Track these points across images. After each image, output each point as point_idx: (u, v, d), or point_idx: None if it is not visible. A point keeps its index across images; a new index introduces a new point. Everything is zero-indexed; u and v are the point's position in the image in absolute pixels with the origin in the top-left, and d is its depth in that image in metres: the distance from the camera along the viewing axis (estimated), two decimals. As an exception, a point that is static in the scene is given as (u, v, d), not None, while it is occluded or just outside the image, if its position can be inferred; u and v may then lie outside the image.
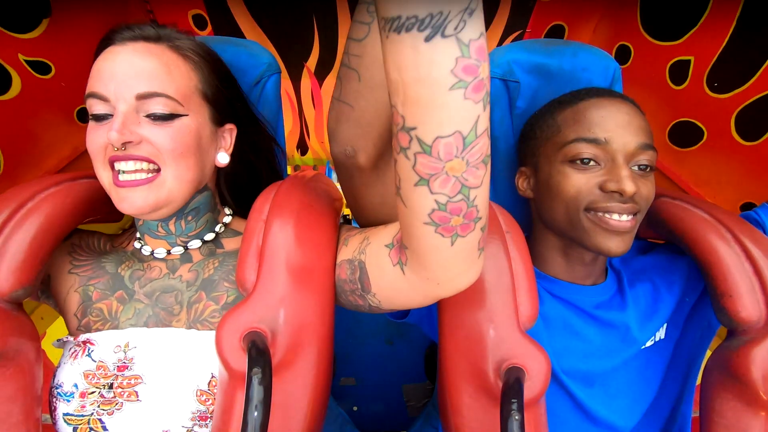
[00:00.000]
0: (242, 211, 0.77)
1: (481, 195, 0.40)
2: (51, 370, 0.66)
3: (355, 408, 1.38)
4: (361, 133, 0.54)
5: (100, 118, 0.62)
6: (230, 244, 0.73)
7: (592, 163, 0.70)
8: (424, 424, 1.10)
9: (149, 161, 0.62)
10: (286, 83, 1.55)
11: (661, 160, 0.71)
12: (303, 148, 1.70)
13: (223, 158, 0.70)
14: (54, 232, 0.64)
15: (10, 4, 0.81)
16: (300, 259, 0.58)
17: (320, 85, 1.60)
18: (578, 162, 0.70)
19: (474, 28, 0.32)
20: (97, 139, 0.62)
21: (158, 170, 0.63)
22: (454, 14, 0.31)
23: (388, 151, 0.56)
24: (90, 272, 0.70)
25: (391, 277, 0.52)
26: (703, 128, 1.00)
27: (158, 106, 0.61)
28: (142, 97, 0.61)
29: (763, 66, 0.87)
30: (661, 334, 0.80)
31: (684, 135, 1.03)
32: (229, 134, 0.72)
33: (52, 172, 0.94)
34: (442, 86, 0.33)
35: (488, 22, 1.44)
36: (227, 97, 0.70)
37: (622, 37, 0.89)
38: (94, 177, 0.71)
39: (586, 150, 0.70)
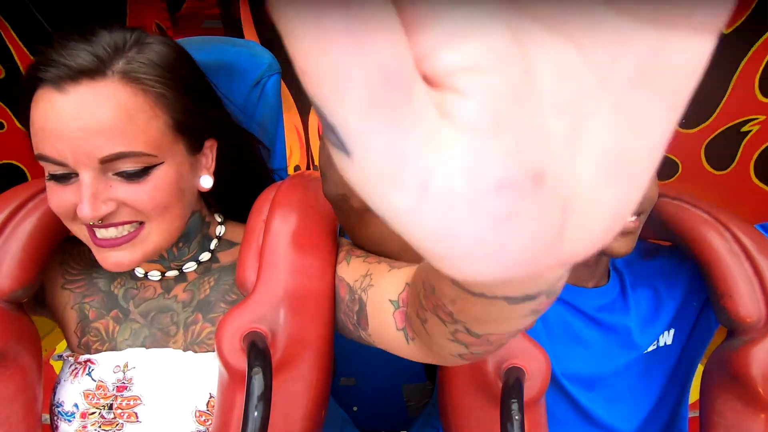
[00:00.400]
0: (233, 215, 0.73)
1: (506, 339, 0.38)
2: (53, 377, 0.66)
3: (355, 408, 1.38)
4: None
5: (61, 179, 0.54)
6: (226, 257, 0.69)
7: None
8: (424, 424, 1.10)
9: (131, 222, 0.56)
10: (295, 118, 1.59)
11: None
12: None
13: (206, 182, 0.63)
14: (54, 231, 0.64)
15: (44, 33, 0.85)
16: (300, 260, 0.58)
17: None
18: None
19: (563, 278, 0.27)
20: (63, 202, 0.54)
21: (141, 224, 0.56)
22: (551, 286, 0.26)
23: None
24: (83, 289, 0.68)
25: (392, 337, 0.48)
26: (678, 162, 1.09)
27: (128, 166, 0.52)
28: (108, 160, 0.51)
29: (721, 102, 0.98)
30: (666, 339, 0.80)
31: (661, 169, 1.08)
32: (210, 151, 0.63)
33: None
34: (514, 318, 0.29)
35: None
36: (202, 116, 0.60)
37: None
38: None
39: None
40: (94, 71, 0.51)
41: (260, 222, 0.61)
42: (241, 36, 1.36)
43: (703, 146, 1.03)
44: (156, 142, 0.54)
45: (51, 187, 0.55)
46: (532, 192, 0.14)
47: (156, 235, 0.57)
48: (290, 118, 1.57)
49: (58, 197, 0.55)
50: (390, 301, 0.48)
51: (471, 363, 0.59)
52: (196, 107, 0.59)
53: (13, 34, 0.88)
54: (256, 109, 0.83)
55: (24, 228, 0.61)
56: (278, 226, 0.60)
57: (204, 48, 0.71)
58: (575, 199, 0.16)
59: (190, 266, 0.68)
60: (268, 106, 0.85)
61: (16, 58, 0.90)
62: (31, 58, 0.84)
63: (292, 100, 1.54)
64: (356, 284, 0.55)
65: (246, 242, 0.60)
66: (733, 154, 1.01)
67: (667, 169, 1.12)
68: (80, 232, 0.57)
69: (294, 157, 1.66)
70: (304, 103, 1.57)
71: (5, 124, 0.92)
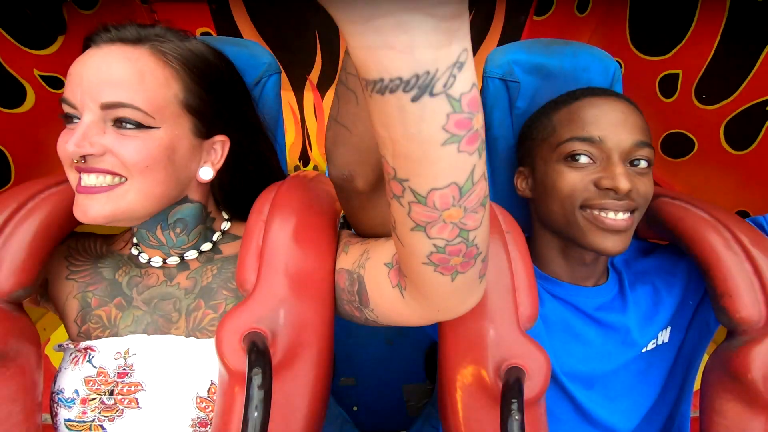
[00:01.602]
0: (239, 214, 0.75)
1: (481, 234, 0.39)
2: (52, 374, 0.66)
3: (355, 408, 1.38)
4: (359, 159, 0.51)
5: (68, 119, 0.60)
6: (229, 249, 0.71)
7: (587, 160, 0.70)
8: (424, 424, 1.10)
9: (113, 174, 0.58)
10: (289, 96, 1.56)
11: (654, 171, 0.73)
12: (305, 159, 1.72)
13: (205, 173, 0.65)
14: (54, 232, 0.64)
15: (29, 22, 0.84)
16: (300, 260, 0.58)
17: (322, 98, 1.61)
18: (573, 160, 0.70)
19: (465, 81, 0.29)
20: (63, 144, 0.59)
21: (122, 181, 0.59)
22: (442, 71, 0.28)
23: None
24: (88, 278, 0.70)
25: (389, 298, 0.51)
26: (694, 139, 1.03)
27: (124, 117, 0.57)
28: (107, 106, 0.56)
29: (747, 77, 0.89)
30: (664, 337, 0.80)
31: (676, 146, 1.05)
32: (220, 147, 0.66)
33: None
34: (433, 143, 0.31)
35: (480, 40, 1.46)
36: (216, 108, 0.64)
37: (612, 53, 0.92)
38: None
39: (581, 148, 0.70)
40: (130, 40, 0.59)
41: (260, 222, 0.61)
42: (230, 16, 1.35)
43: (723, 124, 0.97)
44: (157, 107, 0.58)
45: (63, 130, 0.61)
46: None
47: (133, 194, 0.59)
48: (284, 95, 1.54)
49: (62, 140, 0.59)
50: (384, 264, 0.51)
51: (471, 363, 0.59)
52: (211, 99, 0.63)
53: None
54: (259, 115, 0.83)
55: (24, 228, 0.61)
56: (278, 227, 0.60)
57: (204, 48, 0.71)
58: None
59: (191, 254, 0.69)
60: (268, 105, 0.85)
61: None
62: (5, 34, 0.83)
63: (286, 77, 1.53)
64: (354, 265, 0.57)
65: (246, 242, 0.60)
66: (755, 134, 0.92)
67: (681, 147, 1.06)
68: (73, 180, 0.60)
69: (289, 135, 1.64)
70: (298, 80, 1.56)
71: None
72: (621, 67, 1.08)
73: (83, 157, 0.57)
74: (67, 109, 0.59)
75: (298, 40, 1.43)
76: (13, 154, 0.86)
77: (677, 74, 1.00)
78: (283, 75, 1.49)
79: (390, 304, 0.51)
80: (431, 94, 0.28)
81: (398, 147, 0.32)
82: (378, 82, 0.28)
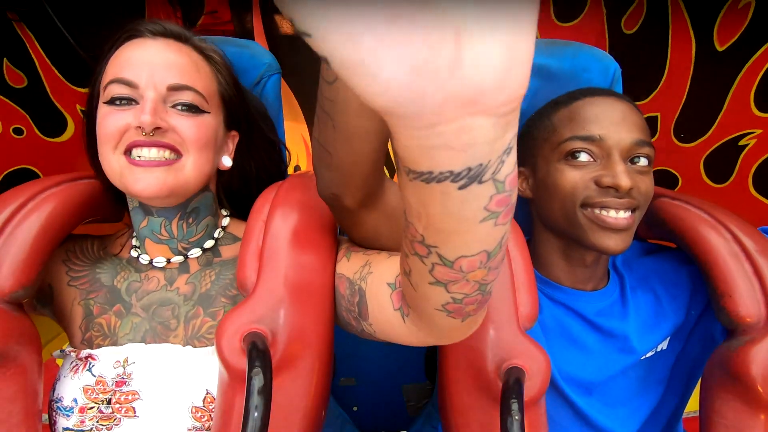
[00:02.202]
0: (238, 213, 0.77)
1: (496, 281, 0.39)
2: (53, 374, 0.66)
3: (355, 408, 1.38)
4: (343, 180, 0.51)
5: (121, 101, 0.61)
6: (228, 251, 0.72)
7: (587, 159, 0.70)
8: (424, 424, 1.10)
9: (173, 149, 0.62)
10: (302, 128, 1.63)
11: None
12: None
13: (226, 161, 0.71)
14: (54, 232, 0.64)
15: (79, 62, 0.94)
16: (300, 260, 0.58)
17: None
18: (574, 159, 0.70)
19: (511, 163, 0.28)
20: (116, 122, 0.60)
21: (178, 158, 0.63)
22: (494, 161, 0.27)
23: (376, 190, 0.53)
24: (87, 285, 0.70)
25: (389, 318, 0.50)
26: (678, 175, 1.12)
27: (187, 99, 0.63)
28: (174, 88, 0.62)
29: (719, 116, 1.01)
30: (663, 345, 0.79)
31: (661, 182, 1.18)
32: (231, 141, 0.72)
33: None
34: (472, 221, 0.30)
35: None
36: (237, 105, 0.71)
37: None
38: (94, 177, 0.71)
39: (581, 147, 0.70)
40: (179, 36, 0.66)
41: (260, 222, 0.61)
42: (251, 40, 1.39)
43: (702, 160, 1.07)
44: (210, 94, 0.66)
45: (106, 111, 0.62)
46: (418, 14, 0.19)
47: (190, 168, 0.63)
48: (297, 127, 1.58)
49: (114, 118, 0.61)
50: (388, 284, 0.50)
51: (471, 363, 0.59)
52: (236, 97, 0.71)
53: (37, 44, 0.93)
54: (262, 117, 0.84)
55: (24, 228, 0.61)
56: (278, 227, 0.60)
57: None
58: (467, 25, 0.19)
59: (194, 253, 0.70)
60: (268, 105, 0.85)
61: (38, 67, 0.94)
62: (53, 67, 0.94)
63: (300, 109, 1.56)
64: (356, 276, 0.56)
65: (246, 242, 0.60)
66: (732, 167, 1.04)
67: (667, 183, 1.14)
68: (116, 161, 0.62)
69: (301, 165, 1.69)
70: (310, 113, 1.59)
71: (25, 130, 0.97)
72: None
73: (153, 130, 0.60)
74: (122, 90, 0.61)
75: (314, 77, 1.46)
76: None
77: (656, 117, 1.11)
78: (298, 108, 1.56)
79: (389, 324, 0.51)
80: (480, 182, 0.28)
81: (433, 221, 0.31)
82: (426, 174, 0.27)
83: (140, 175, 0.60)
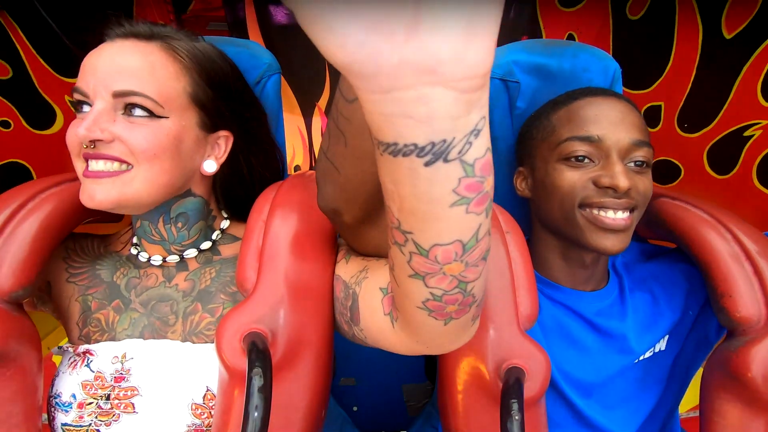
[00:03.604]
0: (238, 214, 0.75)
1: (478, 284, 0.39)
2: (53, 373, 0.66)
3: (355, 408, 1.38)
4: (345, 197, 0.50)
5: (79, 110, 0.62)
6: (227, 250, 0.71)
7: (586, 160, 0.70)
8: (424, 424, 1.10)
9: (120, 161, 0.59)
10: (298, 120, 1.63)
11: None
12: None
13: (209, 166, 0.67)
14: (54, 232, 0.64)
15: (65, 51, 0.90)
16: (300, 260, 0.58)
17: None
18: (572, 159, 0.70)
19: (480, 147, 0.29)
20: (72, 130, 0.61)
21: (128, 168, 0.60)
22: (459, 139, 0.27)
23: (377, 208, 0.52)
24: (87, 281, 0.70)
25: (380, 323, 0.50)
26: (680, 165, 1.09)
27: (135, 105, 0.59)
28: (119, 95, 0.58)
29: (724, 106, 0.98)
30: (661, 345, 0.79)
31: (663, 172, 1.12)
32: (223, 141, 0.68)
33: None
34: (442, 204, 0.30)
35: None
36: (221, 104, 0.66)
37: (598, 88, 1.01)
38: None
39: (580, 148, 0.70)
40: (144, 36, 0.62)
41: (260, 222, 0.61)
42: (246, 38, 1.38)
43: (706, 150, 1.03)
44: (167, 98, 0.61)
45: (73, 120, 0.62)
46: None
47: (139, 182, 0.60)
48: (293, 119, 1.58)
49: (73, 126, 0.61)
50: (380, 288, 0.50)
51: (471, 363, 0.59)
52: (216, 95, 0.66)
53: (21, 33, 0.90)
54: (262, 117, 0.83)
55: (24, 228, 0.61)
56: (278, 227, 0.60)
57: (204, 48, 0.71)
58: None
59: (190, 253, 0.69)
60: (268, 105, 0.85)
61: (23, 57, 0.92)
62: (39, 58, 0.89)
63: (296, 101, 1.56)
64: (351, 280, 0.56)
65: (246, 242, 0.60)
66: (736, 158, 1.00)
67: (669, 173, 1.12)
68: (80, 168, 0.61)
69: (297, 158, 1.68)
70: (307, 105, 1.59)
71: (11, 123, 0.94)
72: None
73: (92, 142, 0.58)
74: (78, 97, 0.60)
75: (309, 68, 1.50)
76: (38, 173, 0.91)
77: (660, 105, 1.07)
78: (294, 100, 1.56)
79: (379, 330, 0.51)
80: (445, 160, 0.28)
81: (405, 203, 0.31)
82: (391, 145, 0.28)
83: (87, 186, 0.60)
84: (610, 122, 0.69)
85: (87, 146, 0.58)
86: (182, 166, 0.63)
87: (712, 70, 0.97)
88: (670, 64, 1.03)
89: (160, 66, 0.61)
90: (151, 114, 0.60)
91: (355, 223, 0.53)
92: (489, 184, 0.31)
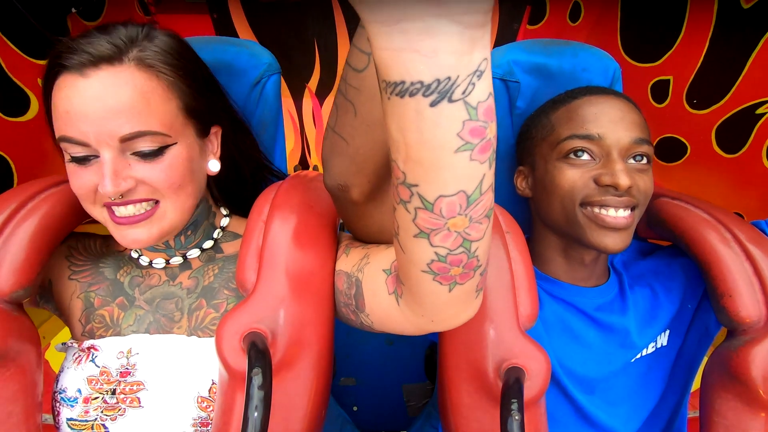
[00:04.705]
0: (238, 210, 0.76)
1: (482, 246, 0.39)
2: (52, 378, 0.66)
3: (355, 408, 1.38)
4: (355, 170, 0.50)
5: (82, 161, 0.57)
6: (229, 248, 0.72)
7: (586, 157, 0.70)
8: (424, 424, 1.10)
9: (148, 200, 0.59)
10: (288, 103, 1.60)
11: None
12: (304, 165, 1.76)
13: (214, 166, 0.67)
14: (54, 232, 0.64)
15: (33, 32, 0.84)
16: (300, 260, 0.58)
17: (321, 105, 1.64)
18: (572, 156, 0.70)
19: (483, 90, 0.30)
20: (84, 183, 0.58)
21: (157, 202, 0.60)
22: (463, 78, 0.28)
23: (384, 184, 0.53)
24: (90, 278, 0.70)
25: (385, 304, 0.50)
26: (686, 143, 1.05)
27: (145, 145, 0.57)
28: (127, 139, 0.55)
29: (737, 82, 0.91)
30: (663, 340, 0.79)
31: (669, 150, 1.08)
32: (215, 137, 0.68)
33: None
34: (447, 149, 0.31)
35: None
36: (208, 102, 0.65)
37: (605, 60, 0.96)
38: None
39: (580, 145, 0.70)
40: (113, 58, 0.55)
41: (260, 222, 0.61)
42: (226, 11, 1.37)
43: (714, 128, 0.98)
44: (169, 123, 0.58)
45: (72, 169, 0.58)
46: None
47: (171, 212, 0.61)
48: (284, 102, 1.57)
49: (80, 179, 0.58)
50: (383, 270, 0.51)
51: (471, 363, 0.59)
52: (201, 93, 0.63)
53: None
54: (256, 108, 0.84)
55: (24, 228, 0.61)
56: (278, 227, 0.60)
57: (204, 48, 0.71)
58: None
59: (193, 253, 0.70)
60: (268, 105, 0.85)
61: None
62: (7, 41, 0.84)
63: (285, 85, 1.55)
64: (353, 269, 0.57)
65: (246, 242, 0.60)
66: (746, 137, 0.95)
67: (674, 151, 1.08)
68: (100, 214, 0.60)
69: (288, 141, 1.66)
70: (297, 87, 1.58)
71: None
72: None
73: (120, 194, 0.57)
74: (75, 149, 0.56)
75: (297, 48, 1.47)
76: (17, 162, 0.87)
77: (668, 80, 1.03)
78: (283, 82, 1.52)
79: (385, 311, 0.51)
80: (450, 100, 0.29)
81: (411, 151, 0.32)
82: (399, 84, 0.29)
83: (126, 232, 0.59)
84: (610, 120, 0.69)
85: (115, 199, 0.57)
86: (199, 181, 0.65)
87: (727, 42, 0.92)
88: (681, 36, 0.98)
89: (150, 92, 0.57)
90: (161, 149, 0.58)
91: (362, 200, 0.53)
92: (492, 131, 0.32)
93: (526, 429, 0.51)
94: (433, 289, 0.41)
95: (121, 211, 0.59)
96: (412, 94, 0.29)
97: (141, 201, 0.59)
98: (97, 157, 0.57)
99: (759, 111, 0.91)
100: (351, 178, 0.51)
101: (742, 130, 0.94)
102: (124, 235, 0.60)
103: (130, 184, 0.57)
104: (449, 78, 0.28)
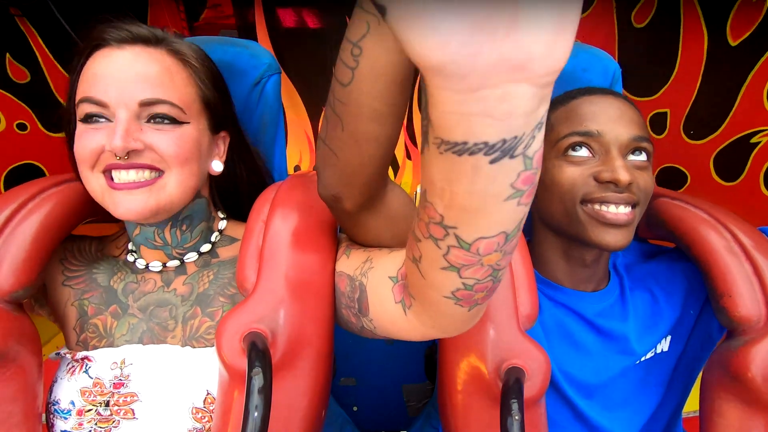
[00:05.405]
0: (234, 213, 0.76)
1: (506, 268, 0.38)
2: (52, 374, 0.66)
3: (355, 408, 1.38)
4: (345, 182, 0.50)
5: (92, 119, 0.59)
6: (225, 252, 0.71)
7: (585, 152, 0.70)
8: (424, 424, 1.10)
9: (152, 168, 0.60)
10: (305, 125, 1.64)
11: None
12: None
13: (217, 166, 0.68)
14: (55, 232, 0.64)
15: (68, 39, 0.92)
16: (300, 260, 0.58)
17: None
18: (571, 152, 0.70)
19: (539, 139, 0.28)
20: (90, 143, 0.58)
21: (160, 175, 0.61)
22: (528, 134, 0.27)
23: (377, 194, 0.53)
24: (83, 285, 0.69)
25: (390, 312, 0.50)
26: (686, 172, 1.11)
27: (162, 113, 0.59)
28: (146, 104, 0.58)
29: (730, 113, 0.99)
30: (664, 346, 0.79)
31: (670, 179, 1.14)
32: (222, 142, 0.70)
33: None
34: (497, 198, 0.30)
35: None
36: (223, 105, 0.68)
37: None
38: None
39: (580, 140, 0.70)
40: (149, 40, 0.61)
41: (260, 222, 0.61)
42: (254, 37, 1.39)
43: (712, 157, 1.05)
44: (187, 103, 0.62)
45: (81, 130, 0.60)
46: None
47: (173, 185, 0.61)
48: (300, 123, 1.59)
49: (87, 139, 0.59)
50: (389, 277, 0.50)
51: (471, 363, 0.59)
52: (219, 96, 0.68)
53: (39, 39, 0.92)
54: (256, 109, 0.84)
55: (24, 228, 0.61)
56: (278, 227, 0.60)
57: (205, 48, 0.71)
58: None
59: (190, 256, 0.69)
60: (268, 106, 0.85)
61: (41, 62, 0.94)
62: (55, 62, 0.93)
63: (303, 105, 1.56)
64: (356, 272, 0.56)
65: (246, 242, 0.60)
66: (743, 165, 1.02)
67: (675, 180, 1.12)
68: (96, 181, 0.60)
69: (304, 163, 1.69)
70: (314, 109, 1.60)
71: (29, 126, 0.97)
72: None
73: (127, 153, 0.58)
74: (92, 108, 0.58)
75: (316, 71, 1.52)
76: (52, 174, 0.92)
77: (666, 113, 1.09)
78: (301, 104, 1.57)
79: (390, 318, 0.51)
80: (511, 157, 0.28)
81: (456, 199, 0.31)
82: (459, 144, 0.27)
83: (121, 198, 0.59)
84: (609, 118, 0.69)
85: (120, 158, 0.57)
86: (203, 169, 0.66)
87: (718, 77, 0.99)
88: (675, 71, 1.04)
89: (176, 72, 0.62)
90: (175, 121, 0.60)
91: (356, 210, 0.53)
92: (539, 174, 0.31)
93: (526, 429, 0.51)
94: (454, 311, 0.41)
95: (122, 176, 0.59)
96: (472, 153, 0.27)
97: (145, 167, 0.59)
98: (110, 120, 0.58)
99: (754, 140, 0.99)
100: (343, 189, 0.51)
101: (739, 159, 1.01)
102: (117, 203, 0.59)
103: (138, 145, 0.58)
104: (515, 137, 0.27)
